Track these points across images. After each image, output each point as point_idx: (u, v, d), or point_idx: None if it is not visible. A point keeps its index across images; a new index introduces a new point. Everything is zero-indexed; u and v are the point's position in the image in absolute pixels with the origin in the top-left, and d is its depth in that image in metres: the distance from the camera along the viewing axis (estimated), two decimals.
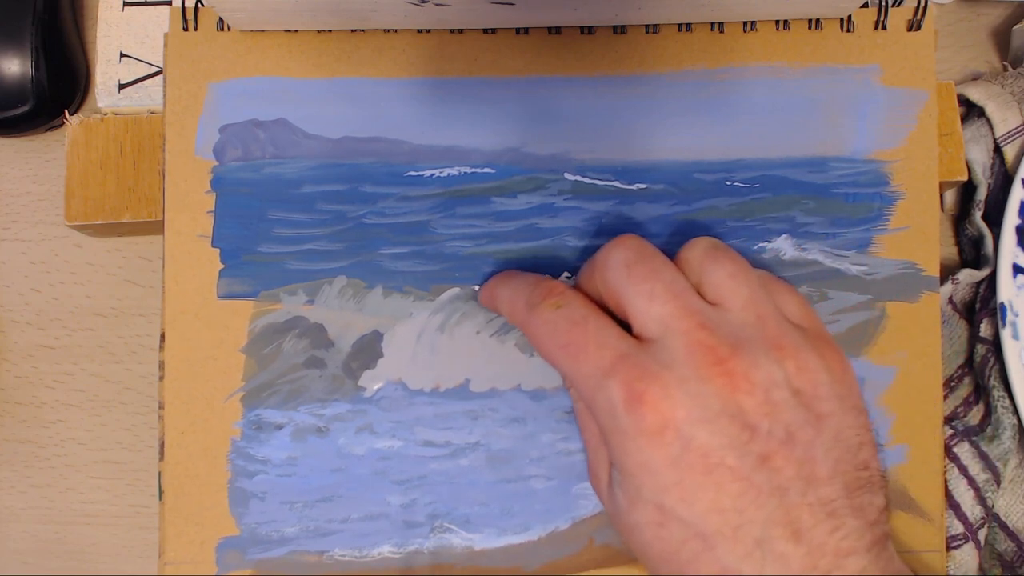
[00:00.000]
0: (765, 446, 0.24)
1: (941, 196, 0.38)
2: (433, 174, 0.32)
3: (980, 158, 0.37)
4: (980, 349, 0.36)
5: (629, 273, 0.27)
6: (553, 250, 0.33)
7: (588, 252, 0.32)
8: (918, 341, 0.33)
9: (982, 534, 0.34)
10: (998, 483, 0.34)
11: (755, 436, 0.24)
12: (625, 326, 0.27)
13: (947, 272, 0.36)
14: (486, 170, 0.33)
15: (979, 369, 0.36)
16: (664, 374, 0.25)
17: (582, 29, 0.33)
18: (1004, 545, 0.35)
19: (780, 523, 0.24)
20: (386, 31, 0.32)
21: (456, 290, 0.32)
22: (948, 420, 0.36)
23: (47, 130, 0.39)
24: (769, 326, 0.26)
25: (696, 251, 0.28)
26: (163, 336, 0.32)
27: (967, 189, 0.38)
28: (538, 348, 0.28)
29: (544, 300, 0.28)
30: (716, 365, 0.25)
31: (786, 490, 0.24)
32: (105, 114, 0.36)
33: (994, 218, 0.36)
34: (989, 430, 0.35)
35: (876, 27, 0.33)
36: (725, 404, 0.25)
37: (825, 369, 0.26)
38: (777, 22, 0.33)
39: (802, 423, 0.25)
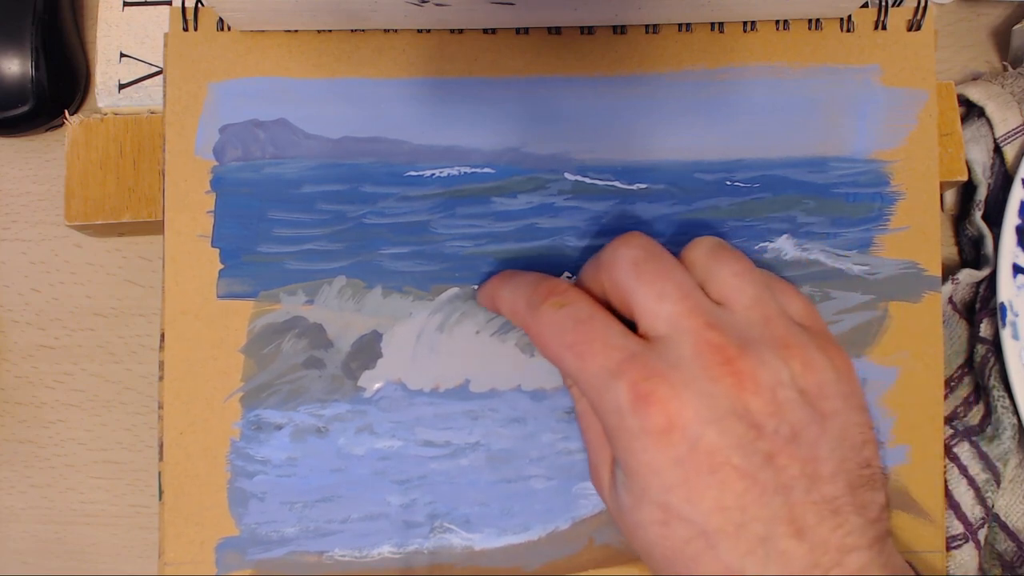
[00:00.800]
0: (771, 445, 0.24)
1: (941, 196, 0.38)
2: (433, 174, 0.32)
3: (980, 158, 0.37)
4: (980, 349, 0.36)
5: (637, 272, 0.27)
6: (553, 250, 0.32)
7: (588, 252, 0.32)
8: (920, 341, 0.33)
9: (982, 534, 0.34)
10: (998, 483, 0.34)
11: (761, 435, 0.24)
12: (629, 324, 0.27)
13: (947, 272, 0.36)
14: (486, 170, 0.33)
15: (979, 369, 0.36)
16: (672, 374, 0.25)
17: (582, 29, 0.33)
18: (1004, 545, 0.35)
19: (784, 521, 0.24)
20: (386, 31, 0.32)
21: (456, 290, 0.32)
22: (948, 420, 0.35)
23: (47, 130, 0.39)
24: (775, 325, 0.26)
25: (701, 250, 0.28)
26: (163, 336, 0.32)
27: (967, 189, 0.38)
28: (541, 348, 0.28)
29: (546, 299, 0.28)
30: (724, 364, 0.25)
31: (790, 488, 0.24)
32: (105, 114, 0.36)
33: (994, 218, 0.36)
34: (989, 430, 0.35)
35: (876, 27, 0.33)
36: (733, 403, 0.25)
37: (831, 368, 0.26)
38: (777, 22, 0.33)
39: (807, 422, 0.25)
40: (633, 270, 0.27)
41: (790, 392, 0.25)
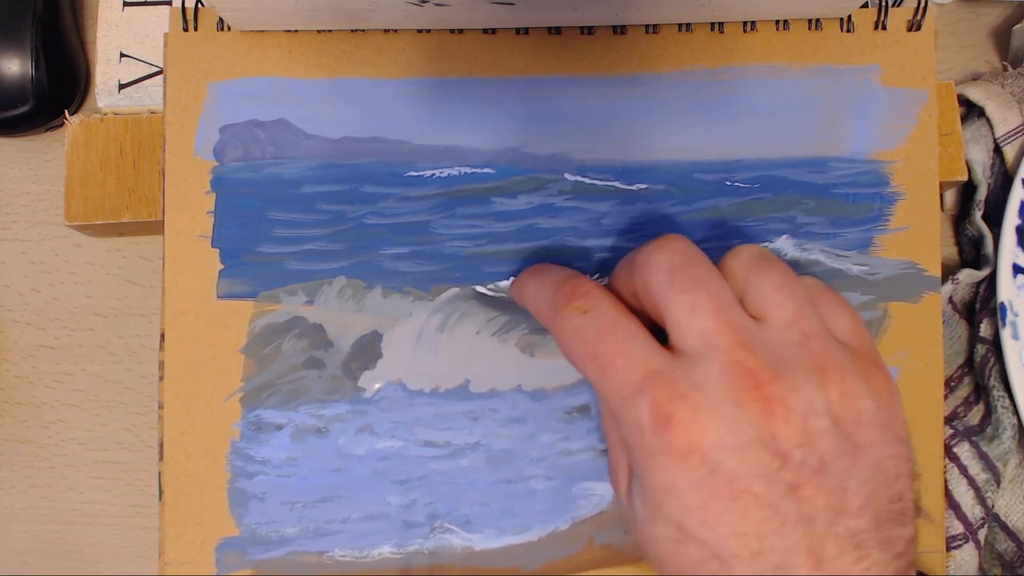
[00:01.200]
0: (796, 475, 0.23)
1: (941, 196, 0.38)
2: (433, 174, 0.32)
3: (980, 158, 0.37)
4: (980, 349, 0.36)
5: (672, 279, 0.25)
6: (553, 250, 0.32)
7: (588, 252, 0.32)
8: (919, 341, 0.33)
9: (982, 534, 0.34)
10: (998, 483, 0.34)
11: (786, 465, 0.23)
12: (660, 331, 0.26)
13: (947, 272, 0.36)
14: (486, 170, 0.33)
15: (979, 369, 0.36)
16: (696, 395, 0.24)
17: (582, 29, 0.33)
18: (1004, 545, 0.35)
19: (802, 552, 0.23)
20: (386, 31, 0.32)
21: (456, 290, 0.32)
22: (948, 420, 0.35)
23: (47, 130, 0.39)
24: (814, 346, 0.25)
25: (741, 260, 0.27)
26: (163, 336, 0.32)
27: (967, 189, 0.38)
28: (565, 354, 0.27)
29: (570, 302, 0.27)
30: (754, 390, 0.24)
31: (813, 520, 0.23)
32: (105, 114, 0.36)
33: (994, 218, 0.36)
34: (989, 430, 0.35)
35: (876, 27, 0.33)
36: (759, 431, 0.23)
37: (870, 395, 0.25)
38: (777, 22, 0.33)
39: (838, 453, 0.24)
40: (667, 276, 0.25)
41: (823, 421, 0.24)
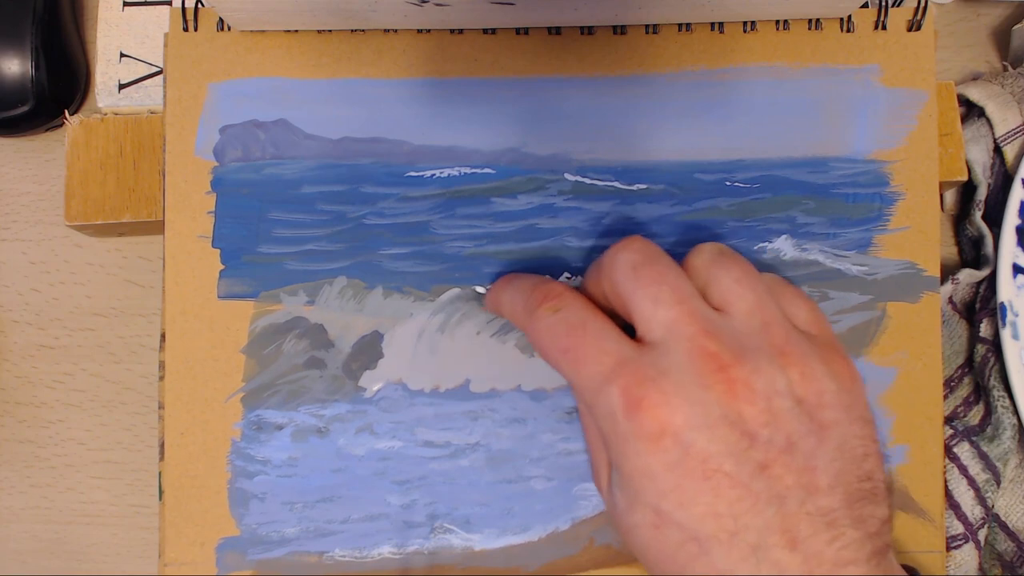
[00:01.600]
0: (764, 454, 0.24)
1: (941, 196, 0.38)
2: (433, 174, 0.32)
3: (980, 158, 0.37)
4: (980, 349, 0.36)
5: (635, 276, 0.27)
6: (553, 250, 0.32)
7: (588, 252, 0.32)
8: (918, 341, 0.33)
9: (982, 534, 0.34)
10: (998, 483, 0.34)
11: (754, 444, 0.24)
12: (629, 329, 0.27)
13: (947, 272, 0.36)
14: (486, 170, 0.33)
15: (979, 369, 0.36)
16: (663, 380, 0.25)
17: (582, 30, 0.33)
18: (1004, 545, 0.35)
19: (777, 530, 0.24)
20: (386, 31, 0.32)
21: (456, 291, 0.32)
22: (948, 420, 0.36)
23: (47, 130, 0.39)
24: (774, 332, 0.26)
25: (703, 256, 0.28)
26: (163, 336, 0.32)
27: (967, 189, 0.38)
28: (539, 352, 0.28)
29: (542, 304, 0.28)
30: (717, 372, 0.25)
31: (784, 498, 0.24)
32: (105, 114, 0.36)
33: (994, 218, 0.36)
34: (989, 430, 0.35)
35: (876, 27, 0.33)
36: (725, 411, 0.24)
37: (831, 377, 0.26)
38: (777, 22, 0.33)
39: (804, 432, 0.25)
40: (631, 274, 0.27)
41: (786, 401, 0.25)
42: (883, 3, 0.33)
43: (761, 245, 0.33)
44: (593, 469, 0.30)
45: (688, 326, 0.25)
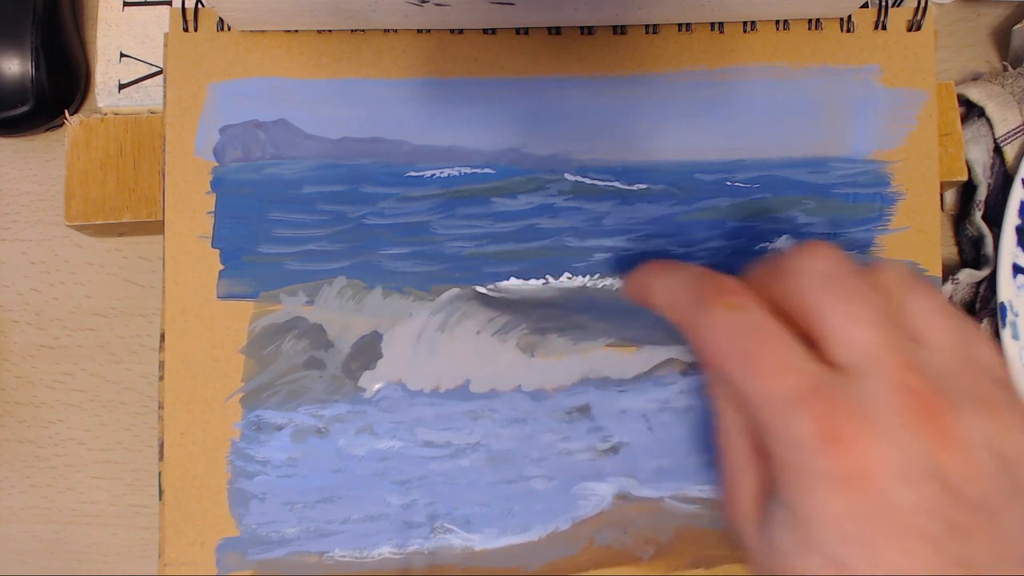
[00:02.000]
0: (963, 514, 0.22)
1: (941, 196, 0.38)
2: (433, 174, 0.32)
3: (980, 158, 0.37)
4: None
5: (828, 287, 0.24)
6: (553, 250, 0.32)
7: (588, 253, 0.32)
8: None
9: None
10: None
11: (956, 501, 0.22)
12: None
13: (947, 272, 0.36)
14: (486, 170, 0.33)
15: None
16: (864, 415, 0.22)
17: (582, 30, 0.33)
18: None
19: None
20: (386, 31, 0.32)
21: (456, 290, 0.32)
22: None
23: (47, 130, 0.39)
24: (975, 377, 0.24)
25: (893, 275, 0.25)
26: (163, 336, 0.32)
27: (967, 189, 0.38)
28: (702, 350, 0.25)
29: (719, 297, 0.25)
30: (923, 415, 0.22)
31: (972, 565, 0.22)
32: (105, 114, 0.36)
33: (994, 218, 0.36)
34: None
35: (876, 27, 0.33)
36: (928, 461, 0.22)
37: None
38: (777, 22, 0.33)
39: (1000, 492, 0.22)
40: (823, 284, 0.24)
41: (986, 455, 0.22)
42: (883, 3, 0.33)
43: (761, 245, 0.33)
44: (728, 494, 0.27)
45: (890, 355, 0.23)
